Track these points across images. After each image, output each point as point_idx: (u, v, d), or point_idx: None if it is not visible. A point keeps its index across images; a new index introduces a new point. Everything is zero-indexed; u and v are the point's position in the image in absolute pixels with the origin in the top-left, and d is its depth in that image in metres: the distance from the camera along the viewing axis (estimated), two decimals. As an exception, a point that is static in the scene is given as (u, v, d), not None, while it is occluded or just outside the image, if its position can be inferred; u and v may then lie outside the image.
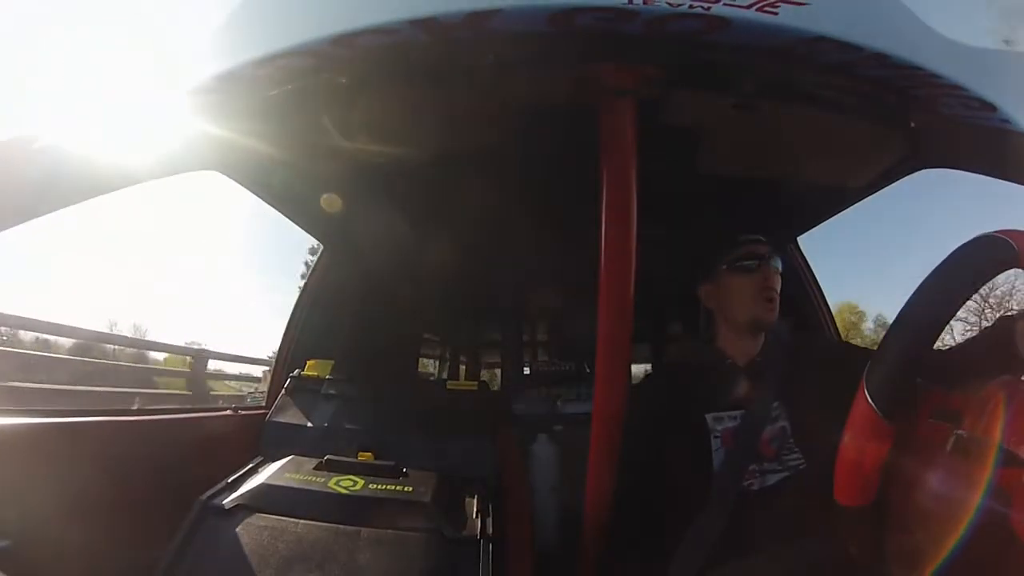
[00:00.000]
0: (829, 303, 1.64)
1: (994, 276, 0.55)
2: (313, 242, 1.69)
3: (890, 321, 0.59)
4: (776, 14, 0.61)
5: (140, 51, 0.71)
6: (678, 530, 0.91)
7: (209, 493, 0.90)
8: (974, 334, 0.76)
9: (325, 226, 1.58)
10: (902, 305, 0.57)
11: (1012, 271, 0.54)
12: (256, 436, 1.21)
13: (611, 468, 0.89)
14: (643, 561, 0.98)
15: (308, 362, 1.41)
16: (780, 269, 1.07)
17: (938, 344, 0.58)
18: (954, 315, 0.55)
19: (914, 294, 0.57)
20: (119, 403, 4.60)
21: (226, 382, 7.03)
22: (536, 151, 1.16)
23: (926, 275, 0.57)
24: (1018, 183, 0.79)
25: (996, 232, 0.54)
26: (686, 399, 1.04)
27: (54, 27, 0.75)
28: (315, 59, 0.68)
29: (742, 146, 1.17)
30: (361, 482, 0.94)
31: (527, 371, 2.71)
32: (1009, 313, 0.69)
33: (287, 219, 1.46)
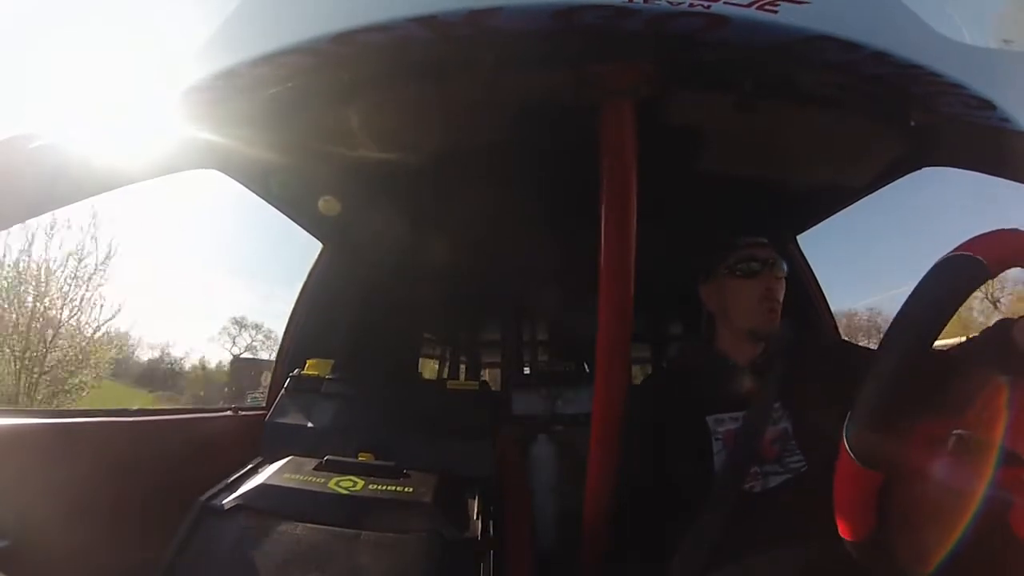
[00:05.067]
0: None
1: (968, 295, 0.52)
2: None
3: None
4: (776, 12, 0.61)
5: (140, 49, 0.71)
6: (679, 532, 0.91)
7: (209, 493, 0.90)
8: (974, 334, 0.76)
9: (325, 225, 1.58)
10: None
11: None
12: (256, 436, 1.20)
13: (611, 468, 0.89)
14: (644, 562, 0.97)
15: (308, 362, 1.40)
16: (784, 274, 1.05)
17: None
18: (930, 347, 0.52)
19: (886, 335, 0.54)
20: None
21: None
22: (536, 151, 1.16)
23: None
24: (1017, 181, 0.79)
25: (961, 249, 0.52)
26: (686, 400, 1.03)
27: (53, 26, 0.75)
28: (316, 57, 0.68)
29: (742, 146, 1.17)
30: (361, 483, 0.94)
31: (527, 371, 2.71)
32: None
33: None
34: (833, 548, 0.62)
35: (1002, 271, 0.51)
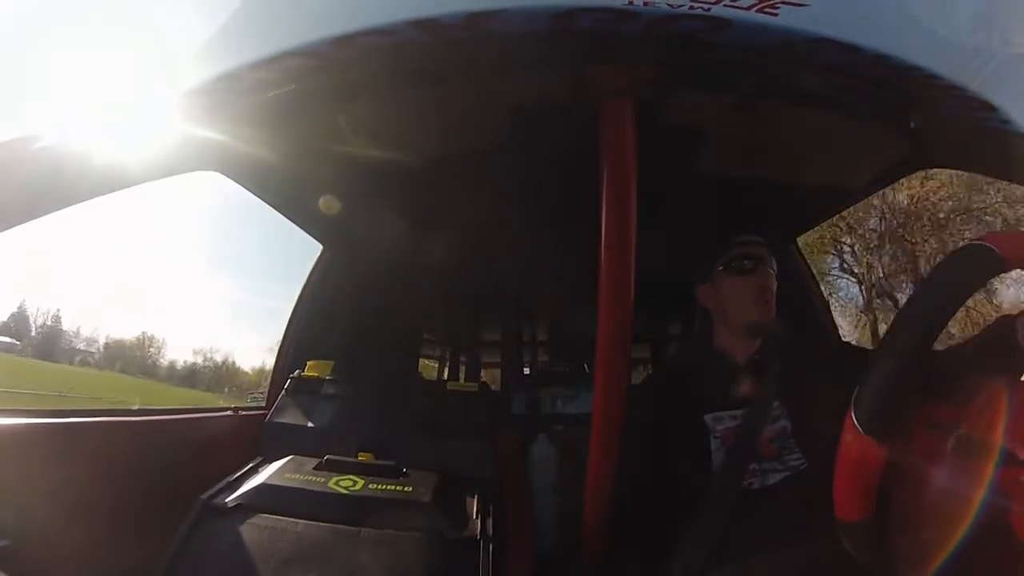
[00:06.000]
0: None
1: (982, 285, 0.55)
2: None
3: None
4: (776, 15, 0.61)
5: (141, 51, 0.71)
6: (678, 530, 0.91)
7: (209, 493, 0.90)
8: (975, 332, 0.76)
9: (325, 226, 1.58)
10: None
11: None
12: (256, 436, 1.21)
13: (611, 468, 0.89)
14: (643, 561, 0.97)
15: (308, 363, 1.40)
16: (775, 271, 1.07)
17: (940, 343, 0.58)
18: (942, 329, 0.54)
19: (900, 312, 0.57)
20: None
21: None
22: (536, 152, 1.16)
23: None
24: (1018, 183, 0.79)
25: (979, 239, 0.54)
26: (685, 399, 1.04)
27: (55, 27, 0.75)
28: (316, 60, 0.68)
29: (742, 146, 1.17)
30: (361, 482, 0.94)
31: (527, 371, 2.71)
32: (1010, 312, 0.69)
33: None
34: (832, 546, 0.62)
35: (1017, 268, 0.53)
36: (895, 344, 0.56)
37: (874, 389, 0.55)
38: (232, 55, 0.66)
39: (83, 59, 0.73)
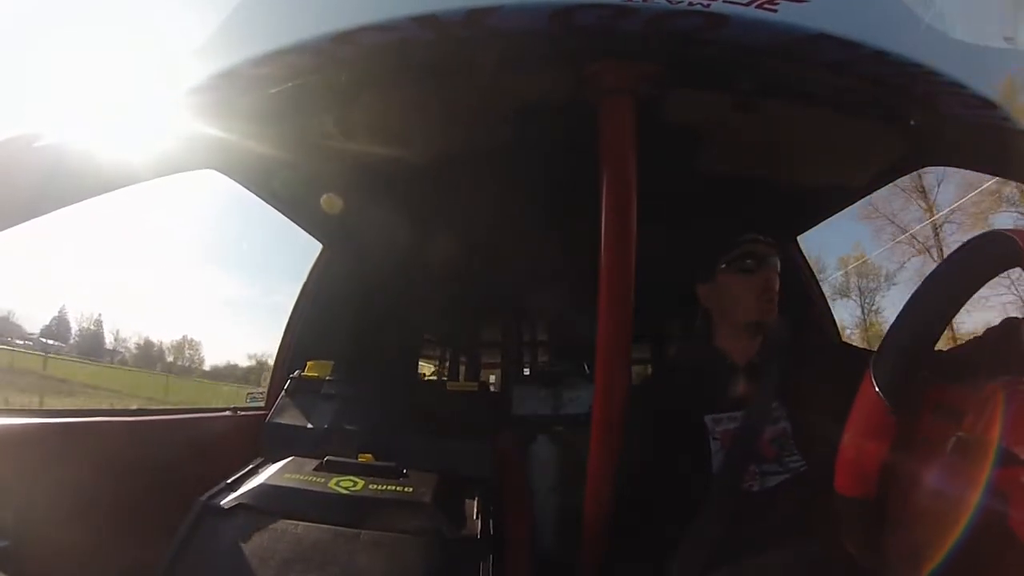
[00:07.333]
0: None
1: (999, 272, 0.55)
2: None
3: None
4: (775, 11, 0.61)
5: (140, 50, 0.71)
6: (678, 532, 0.90)
7: (209, 493, 0.90)
8: (979, 333, 0.76)
9: (325, 225, 1.58)
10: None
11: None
12: (256, 437, 1.20)
13: (611, 468, 0.89)
14: (643, 563, 0.97)
15: (308, 363, 1.40)
16: (779, 268, 1.06)
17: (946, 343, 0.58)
18: (959, 309, 0.55)
19: (919, 287, 0.57)
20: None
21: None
22: (536, 150, 1.16)
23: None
24: (1018, 181, 0.79)
25: (1003, 229, 0.55)
26: (685, 400, 1.03)
27: (54, 27, 0.75)
28: (316, 57, 0.68)
29: (742, 145, 1.17)
30: (361, 483, 0.94)
31: (527, 371, 2.71)
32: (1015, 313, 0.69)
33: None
34: (831, 547, 0.61)
35: None
36: (913, 315, 0.57)
37: (892, 354, 0.56)
38: (233, 52, 0.66)
39: (83, 59, 0.73)
